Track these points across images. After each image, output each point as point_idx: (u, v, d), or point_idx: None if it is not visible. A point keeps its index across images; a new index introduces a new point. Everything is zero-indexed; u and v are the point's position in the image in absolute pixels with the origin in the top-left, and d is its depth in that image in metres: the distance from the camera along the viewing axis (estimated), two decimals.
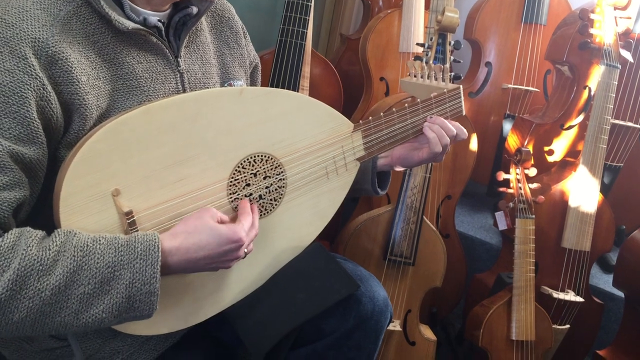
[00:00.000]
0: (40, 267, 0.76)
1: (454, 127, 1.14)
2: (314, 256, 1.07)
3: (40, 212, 0.88)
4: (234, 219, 0.94)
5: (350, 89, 2.43)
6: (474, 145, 2.00)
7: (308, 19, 1.89)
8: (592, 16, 1.89)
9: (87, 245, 0.79)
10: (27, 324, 0.76)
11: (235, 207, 0.97)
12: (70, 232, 0.80)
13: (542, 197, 1.81)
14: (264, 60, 2.01)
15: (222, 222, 0.90)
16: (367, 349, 1.05)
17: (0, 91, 0.78)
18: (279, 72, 1.90)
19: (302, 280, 1.04)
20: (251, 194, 0.98)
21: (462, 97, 1.22)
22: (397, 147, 1.17)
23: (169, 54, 0.99)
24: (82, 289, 0.78)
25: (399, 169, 1.20)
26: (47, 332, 0.79)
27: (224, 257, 0.89)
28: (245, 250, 0.93)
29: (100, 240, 0.80)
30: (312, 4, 1.90)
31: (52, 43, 0.83)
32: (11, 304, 0.74)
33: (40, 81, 0.81)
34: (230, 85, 1.13)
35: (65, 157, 0.86)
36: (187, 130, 0.89)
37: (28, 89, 0.80)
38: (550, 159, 2.13)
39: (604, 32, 1.89)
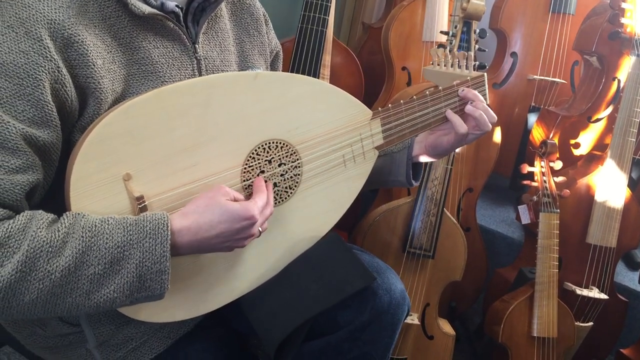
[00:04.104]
0: (50, 249, 0.75)
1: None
2: (330, 246, 1.05)
3: (56, 196, 0.88)
4: (248, 198, 0.92)
5: (371, 78, 2.40)
6: (497, 137, 1.96)
7: (329, 6, 1.87)
8: (623, 5, 1.84)
9: (95, 225, 0.78)
10: (39, 305, 0.76)
11: (250, 194, 0.95)
12: (78, 214, 0.79)
13: (568, 190, 1.76)
14: (285, 47, 1.98)
15: (235, 200, 0.89)
16: (383, 343, 1.03)
17: (15, 73, 0.77)
18: (299, 60, 1.88)
19: (317, 271, 1.02)
20: (265, 181, 0.96)
21: (487, 86, 1.18)
22: (429, 136, 1.14)
23: (186, 40, 0.97)
24: (92, 270, 0.77)
25: (430, 159, 1.17)
26: (60, 313, 0.79)
27: (236, 236, 0.87)
28: (260, 228, 0.91)
29: (108, 221, 0.79)
30: None
31: (68, 25, 0.82)
32: (22, 285, 0.74)
33: (55, 64, 0.80)
34: None
35: None
36: (199, 115, 0.87)
37: (43, 72, 0.79)
38: (576, 152, 2.09)
39: (635, 22, 1.83)
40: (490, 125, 1.09)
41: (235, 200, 0.89)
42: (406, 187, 1.18)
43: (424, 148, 1.15)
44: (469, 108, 1.09)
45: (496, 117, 1.11)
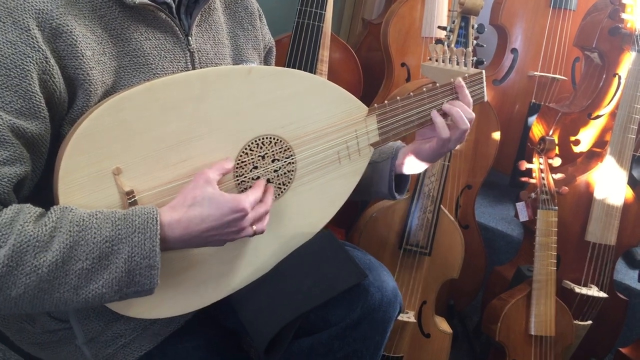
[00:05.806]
0: (37, 244, 0.74)
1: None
2: (322, 243, 1.03)
3: (44, 190, 0.86)
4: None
5: (370, 75, 2.38)
6: (496, 134, 1.94)
7: (327, 0, 1.85)
8: (623, 1, 1.83)
9: (84, 220, 0.77)
10: (26, 300, 0.75)
11: (242, 191, 0.94)
12: (66, 208, 0.78)
13: (566, 188, 1.75)
14: (282, 43, 1.97)
15: (219, 178, 0.87)
16: (374, 341, 1.02)
17: (1, 64, 0.77)
18: (295, 55, 1.87)
19: (308, 268, 1.01)
20: (259, 177, 0.95)
21: (485, 82, 1.17)
22: (412, 144, 1.12)
23: (178, 32, 0.96)
24: (80, 265, 0.76)
25: (413, 170, 1.15)
26: (48, 309, 0.78)
27: (227, 229, 0.86)
28: (255, 227, 0.90)
29: (97, 215, 0.78)
30: None
31: (57, 15, 0.81)
32: (8, 280, 0.73)
33: (43, 54, 0.79)
34: None
35: None
36: (192, 109, 0.86)
37: (30, 62, 0.78)
38: (576, 149, 2.07)
39: (636, 18, 1.82)
40: (468, 124, 1.07)
41: (220, 176, 0.88)
42: (389, 199, 1.16)
43: (407, 154, 1.13)
44: (445, 106, 1.08)
45: (474, 115, 1.09)
